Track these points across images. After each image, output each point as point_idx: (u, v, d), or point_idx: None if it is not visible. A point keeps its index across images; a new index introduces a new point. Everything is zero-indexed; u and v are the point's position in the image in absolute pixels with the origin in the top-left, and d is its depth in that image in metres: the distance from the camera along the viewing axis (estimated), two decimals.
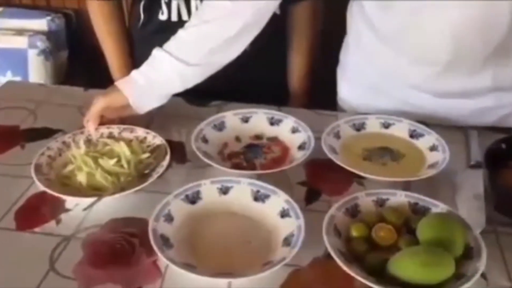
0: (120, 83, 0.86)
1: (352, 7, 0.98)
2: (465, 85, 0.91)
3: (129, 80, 0.86)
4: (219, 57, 0.88)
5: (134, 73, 0.87)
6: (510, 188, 0.70)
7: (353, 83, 1.05)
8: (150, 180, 0.74)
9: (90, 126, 0.85)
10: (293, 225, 0.68)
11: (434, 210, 0.70)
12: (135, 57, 1.16)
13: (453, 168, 0.81)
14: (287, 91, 1.19)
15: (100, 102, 0.85)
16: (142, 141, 0.85)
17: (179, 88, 0.88)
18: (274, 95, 1.11)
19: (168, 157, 0.79)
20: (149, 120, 0.90)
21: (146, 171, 0.77)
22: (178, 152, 0.85)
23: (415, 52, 0.88)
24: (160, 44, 1.10)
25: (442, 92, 0.92)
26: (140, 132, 0.86)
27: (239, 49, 0.88)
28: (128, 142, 0.83)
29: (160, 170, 0.76)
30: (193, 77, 0.87)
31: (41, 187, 0.73)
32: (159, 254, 0.62)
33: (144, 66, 0.87)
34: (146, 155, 0.81)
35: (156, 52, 0.87)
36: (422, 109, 0.95)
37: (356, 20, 0.97)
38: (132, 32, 1.15)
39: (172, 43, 0.87)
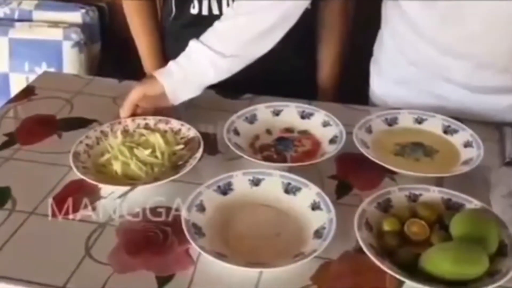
0: (157, 73, 0.88)
1: (387, 2, 0.97)
2: (500, 80, 0.89)
3: (166, 70, 0.88)
4: (253, 49, 0.89)
5: (171, 63, 0.89)
6: None
7: (386, 77, 1.04)
8: (183, 171, 0.75)
9: (124, 113, 0.87)
10: (324, 217, 0.68)
11: (468, 206, 0.69)
12: (166, 50, 1.17)
13: (487, 165, 0.80)
14: (317, 87, 1.19)
15: (136, 90, 0.87)
16: (176, 132, 0.86)
17: (213, 80, 0.89)
18: (304, 90, 1.11)
19: (201, 150, 0.80)
20: (182, 112, 0.92)
21: (180, 163, 0.79)
22: (210, 144, 0.86)
23: (453, 44, 0.87)
24: (191, 38, 1.11)
25: (478, 87, 0.91)
26: (175, 124, 0.87)
27: (273, 42, 0.89)
28: (163, 134, 0.84)
29: (193, 162, 0.77)
30: (228, 69, 0.89)
31: (78, 175, 0.75)
32: (192, 242, 0.63)
33: (181, 58, 0.89)
34: (180, 146, 0.82)
35: (192, 43, 0.89)
36: (456, 104, 0.94)
37: (391, 14, 0.96)
38: (164, 26, 1.16)
39: (209, 35, 0.89)
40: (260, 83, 1.04)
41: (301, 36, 1.11)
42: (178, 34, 1.14)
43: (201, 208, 0.70)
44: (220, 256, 0.63)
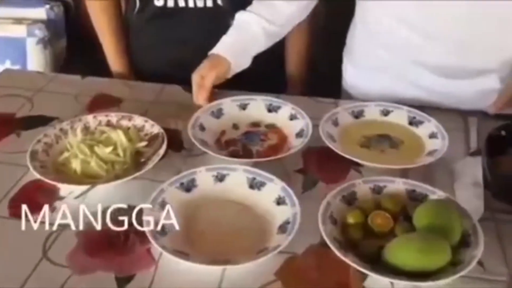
0: (220, 51, 0.93)
1: None
2: (472, 63, 0.90)
3: (225, 46, 0.94)
4: (294, 21, 1.01)
5: (225, 38, 0.95)
6: (509, 176, 0.69)
7: (358, 65, 1.04)
8: (145, 168, 0.74)
9: (204, 100, 0.91)
10: (289, 212, 0.67)
11: (432, 197, 0.69)
12: (131, 43, 1.15)
13: (452, 155, 0.80)
14: (286, 80, 1.18)
15: (209, 76, 0.91)
16: (140, 129, 0.84)
17: (264, 46, 0.97)
18: (273, 84, 1.10)
19: (164, 146, 0.78)
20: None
21: (142, 160, 0.77)
22: (175, 140, 0.84)
23: (428, 27, 0.87)
24: (156, 31, 1.10)
25: (451, 72, 0.91)
26: (138, 120, 0.85)
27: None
28: (126, 130, 0.82)
29: (155, 159, 0.76)
30: (274, 37, 0.98)
31: (35, 175, 0.72)
32: (152, 241, 0.62)
33: (232, 31, 0.96)
34: (143, 143, 0.80)
35: (239, 15, 0.97)
36: (426, 90, 0.94)
37: None
38: (128, 19, 1.14)
39: (257, 6, 0.97)
40: (227, 79, 1.03)
41: None
42: (143, 28, 1.12)
43: (164, 206, 0.69)
44: (182, 254, 0.61)
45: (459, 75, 0.91)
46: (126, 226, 0.67)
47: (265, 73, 1.10)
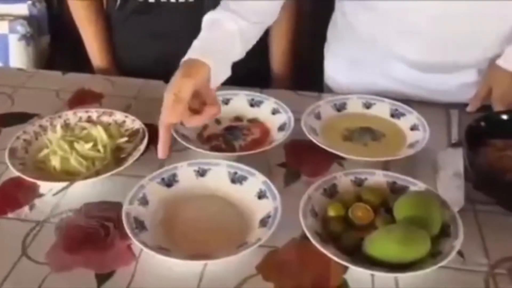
0: (192, 54, 0.73)
1: None
2: (449, 59, 0.90)
3: (197, 48, 0.75)
4: (266, 19, 0.86)
5: (196, 41, 0.76)
6: (489, 167, 0.70)
7: (339, 59, 1.04)
8: (126, 164, 0.73)
9: (192, 121, 0.71)
10: (270, 206, 0.67)
11: (412, 188, 0.69)
12: (114, 39, 1.14)
13: (434, 147, 0.80)
14: (269, 75, 1.18)
15: (187, 85, 0.69)
16: (120, 125, 0.83)
17: (239, 49, 0.79)
18: (257, 78, 1.10)
19: (145, 141, 0.78)
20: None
21: (123, 155, 0.76)
22: (157, 135, 0.83)
23: (404, 23, 0.87)
24: (138, 26, 1.09)
25: (426, 65, 0.91)
26: (119, 116, 0.84)
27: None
28: (106, 126, 0.82)
29: (136, 154, 0.75)
30: (248, 38, 0.81)
31: (14, 172, 0.72)
32: (132, 237, 0.61)
33: (203, 32, 0.78)
34: (124, 139, 0.80)
35: (209, 15, 0.80)
36: (406, 85, 0.95)
37: None
38: (110, 14, 1.13)
39: (226, 3, 0.81)
40: None
41: None
42: (125, 23, 1.11)
43: (144, 202, 0.68)
44: (162, 250, 0.61)
45: (438, 69, 0.92)
46: (106, 222, 0.67)
47: (249, 68, 1.10)
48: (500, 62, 0.86)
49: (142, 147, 0.77)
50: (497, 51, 0.87)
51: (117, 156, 0.76)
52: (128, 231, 0.62)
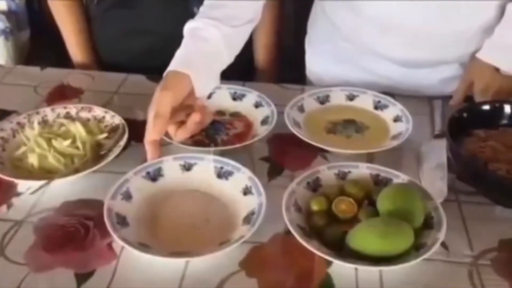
0: (171, 67, 0.72)
1: None
2: (432, 55, 0.90)
3: (176, 59, 0.73)
4: (253, 20, 0.81)
5: (177, 52, 0.74)
6: (472, 157, 0.69)
7: (320, 53, 1.03)
8: (106, 161, 0.72)
9: (157, 134, 0.68)
10: (255, 202, 0.66)
11: (396, 181, 0.69)
12: (94, 34, 1.12)
13: (418, 138, 0.80)
14: (254, 68, 1.17)
15: (165, 97, 0.68)
16: (100, 120, 0.82)
17: (225, 54, 0.77)
18: (242, 71, 1.09)
19: (125, 137, 0.76)
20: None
21: (103, 152, 0.75)
22: (138, 130, 0.82)
23: (386, 21, 0.87)
24: (117, 20, 1.07)
25: (409, 62, 0.91)
26: (99, 111, 0.83)
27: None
28: (85, 122, 0.80)
29: (116, 150, 0.74)
30: (238, 42, 0.79)
31: None
32: (112, 233, 0.60)
33: (184, 42, 0.76)
34: (104, 135, 0.78)
35: (189, 24, 0.77)
36: (389, 79, 0.94)
37: None
38: (89, 9, 1.10)
39: (206, 10, 0.78)
40: None
41: None
42: (104, 17, 1.09)
43: (128, 196, 0.67)
44: (143, 247, 0.60)
45: (420, 65, 0.91)
46: (85, 221, 0.65)
47: (233, 61, 1.09)
48: (479, 55, 0.86)
49: (122, 143, 0.75)
50: (479, 45, 0.87)
51: (96, 153, 0.75)
52: (108, 226, 0.61)
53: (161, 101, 0.68)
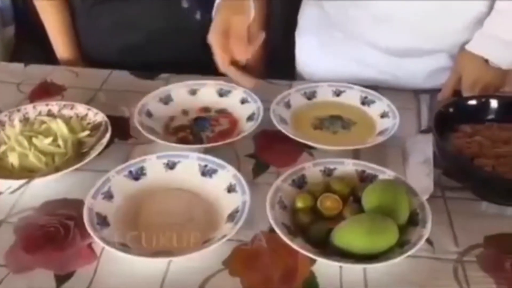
0: None
1: None
2: (422, 44, 0.89)
3: None
4: None
5: None
6: (458, 152, 0.69)
7: (310, 43, 1.02)
8: (87, 159, 0.70)
9: (246, 53, 0.71)
10: (239, 200, 0.65)
11: (381, 177, 0.68)
12: (79, 29, 1.10)
13: (404, 134, 0.79)
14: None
15: (241, 23, 0.71)
16: (82, 118, 0.80)
17: None
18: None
19: (108, 135, 0.75)
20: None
21: (85, 150, 0.74)
22: (121, 128, 0.81)
23: (374, 8, 0.86)
24: (103, 14, 1.05)
25: (399, 51, 0.90)
26: (81, 108, 0.81)
27: None
28: (67, 120, 0.79)
29: (98, 148, 0.72)
30: None
31: None
32: (91, 233, 0.59)
33: None
34: (86, 133, 0.77)
35: None
36: (379, 70, 0.93)
37: None
38: (74, 4, 1.09)
39: None
40: (181, 61, 1.00)
41: None
42: (89, 12, 1.07)
43: (109, 196, 0.66)
44: (124, 247, 0.59)
45: (410, 54, 0.91)
46: (66, 221, 0.64)
47: None
48: (469, 46, 0.86)
49: (104, 140, 0.74)
50: (467, 36, 0.87)
51: (78, 151, 0.74)
52: (87, 226, 0.60)
53: (238, 24, 0.70)
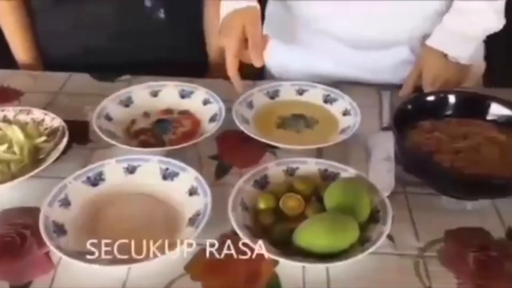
0: (249, 1, 0.78)
1: None
2: (383, 36, 0.90)
3: None
4: None
5: None
6: (418, 149, 0.69)
7: (275, 40, 1.01)
8: (44, 165, 0.68)
9: (232, 68, 0.76)
10: (201, 203, 0.64)
11: (344, 175, 0.68)
12: (38, 30, 1.07)
13: (367, 131, 0.80)
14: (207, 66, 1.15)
15: (257, 30, 0.77)
16: (39, 123, 0.78)
17: None
18: (195, 70, 1.06)
19: (65, 140, 0.73)
20: None
21: (41, 156, 0.72)
22: (81, 132, 0.79)
23: (336, 1, 0.86)
24: (63, 15, 1.03)
25: (361, 42, 0.91)
26: (38, 113, 0.79)
27: None
28: (23, 126, 0.76)
29: (55, 154, 0.71)
30: None
31: None
32: (47, 242, 0.57)
33: None
34: (43, 138, 0.75)
35: None
36: (342, 63, 0.94)
37: None
38: (32, 4, 1.06)
39: None
40: (145, 62, 0.99)
41: (188, 8, 1.06)
42: (49, 13, 1.04)
43: (66, 203, 0.64)
44: (81, 255, 0.57)
45: (372, 46, 0.91)
46: (22, 230, 0.62)
47: (187, 58, 1.07)
48: (429, 42, 0.87)
49: (61, 146, 0.72)
50: (428, 29, 0.88)
51: (35, 158, 0.72)
52: (43, 235, 0.58)
53: (254, 34, 0.75)
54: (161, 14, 1.04)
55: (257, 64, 0.75)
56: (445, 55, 0.85)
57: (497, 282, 0.58)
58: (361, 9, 0.86)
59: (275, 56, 1.03)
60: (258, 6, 0.79)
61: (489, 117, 0.75)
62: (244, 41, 0.76)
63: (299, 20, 0.95)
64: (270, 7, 1.03)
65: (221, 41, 0.78)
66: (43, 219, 0.60)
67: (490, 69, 1.01)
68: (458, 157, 0.67)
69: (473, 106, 0.75)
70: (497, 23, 0.84)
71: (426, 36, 0.88)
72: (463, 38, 0.85)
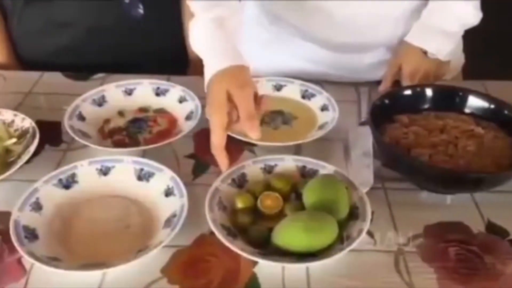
0: (236, 61, 0.67)
1: None
2: (360, 39, 0.89)
3: (233, 53, 0.69)
4: None
5: (225, 46, 0.70)
6: (395, 143, 0.69)
7: (251, 40, 1.01)
8: (14, 168, 0.66)
9: (220, 151, 0.64)
10: (177, 204, 0.63)
11: (322, 172, 0.67)
12: (10, 29, 1.04)
13: (345, 127, 0.79)
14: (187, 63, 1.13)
15: (250, 96, 0.63)
16: (9, 125, 0.76)
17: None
18: (176, 63, 1.05)
19: (36, 141, 0.71)
20: None
21: (12, 159, 0.69)
22: (53, 133, 0.77)
23: (309, 3, 0.85)
24: (36, 13, 1.00)
25: (336, 45, 0.90)
26: (7, 114, 0.77)
27: None
28: None
29: (25, 156, 0.68)
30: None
31: None
32: (18, 248, 0.55)
33: (219, 31, 0.71)
34: (13, 140, 0.72)
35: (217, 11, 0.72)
36: (318, 64, 0.93)
37: None
38: (4, 2, 1.02)
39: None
40: (123, 60, 0.97)
41: (167, 4, 1.04)
42: (21, 12, 1.01)
43: (37, 207, 0.62)
44: (54, 261, 0.56)
45: (348, 49, 0.91)
46: None
47: (167, 52, 1.05)
48: (408, 38, 0.86)
49: (32, 147, 0.70)
50: (405, 30, 0.87)
51: (5, 160, 0.69)
52: (14, 241, 0.56)
53: (244, 101, 0.62)
54: (140, 10, 1.02)
55: (253, 136, 0.62)
56: (425, 52, 0.85)
57: (478, 276, 0.58)
58: (337, 12, 0.84)
59: (249, 55, 1.02)
60: (246, 62, 0.67)
61: (466, 110, 0.75)
62: (234, 109, 0.64)
63: (273, 21, 0.94)
64: (246, 8, 1.01)
65: (206, 112, 0.68)
66: (14, 224, 0.58)
67: (468, 61, 1.01)
68: (436, 150, 0.67)
69: (450, 99, 0.75)
70: (474, 17, 0.84)
71: (402, 34, 0.88)
72: (442, 34, 0.85)
